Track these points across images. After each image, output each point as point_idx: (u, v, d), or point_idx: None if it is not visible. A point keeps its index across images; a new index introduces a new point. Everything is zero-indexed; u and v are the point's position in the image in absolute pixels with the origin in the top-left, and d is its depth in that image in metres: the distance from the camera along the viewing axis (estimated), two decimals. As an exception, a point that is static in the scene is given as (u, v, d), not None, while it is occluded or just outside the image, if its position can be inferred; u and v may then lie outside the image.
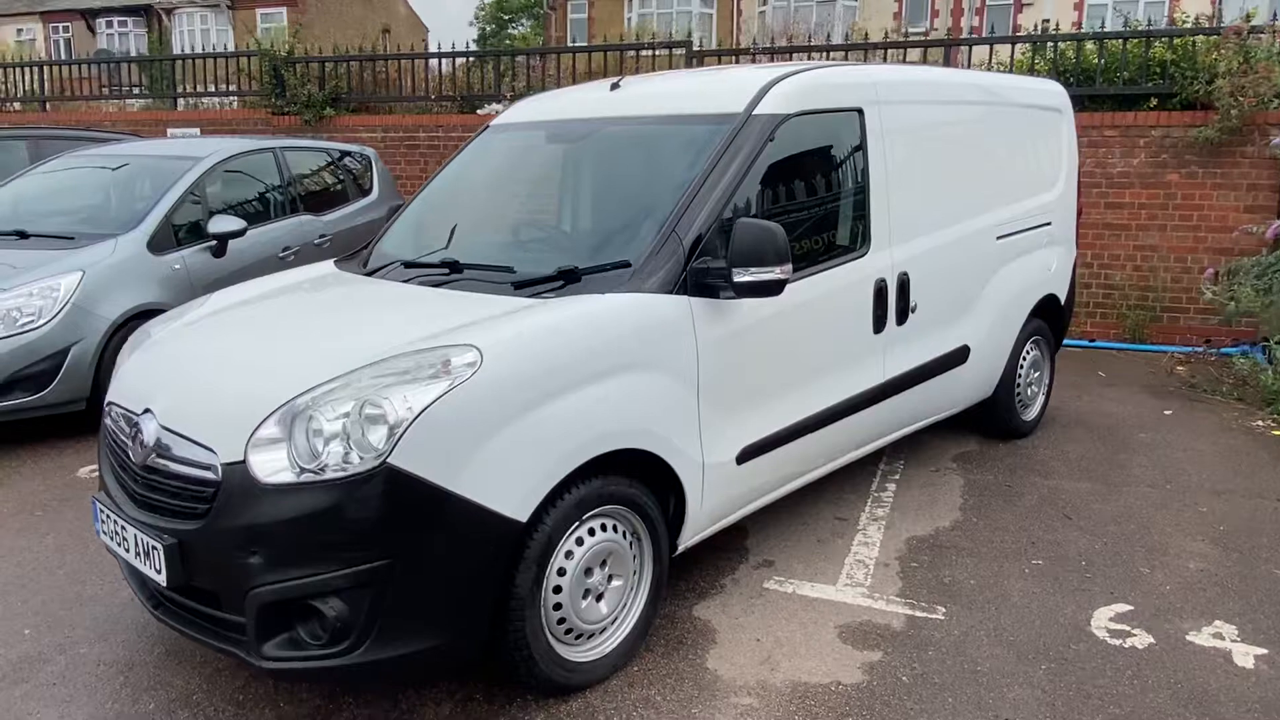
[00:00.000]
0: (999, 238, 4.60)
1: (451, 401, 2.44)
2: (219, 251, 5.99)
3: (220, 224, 5.96)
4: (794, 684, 2.91)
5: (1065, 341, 7.61)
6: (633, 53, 8.92)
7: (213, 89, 10.92)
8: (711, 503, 3.19)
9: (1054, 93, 5.18)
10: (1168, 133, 7.37)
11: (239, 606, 2.46)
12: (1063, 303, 5.31)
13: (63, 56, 26.87)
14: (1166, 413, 5.79)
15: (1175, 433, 5.37)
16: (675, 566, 3.58)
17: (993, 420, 5.09)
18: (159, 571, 2.56)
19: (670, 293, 2.99)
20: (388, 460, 2.36)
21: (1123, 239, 7.65)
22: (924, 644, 3.13)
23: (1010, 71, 7.86)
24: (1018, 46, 8.00)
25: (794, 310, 3.38)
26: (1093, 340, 7.76)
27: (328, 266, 3.77)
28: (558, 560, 2.73)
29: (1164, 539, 3.94)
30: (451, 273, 3.29)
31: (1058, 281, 5.20)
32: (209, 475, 2.49)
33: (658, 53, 8.81)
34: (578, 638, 2.84)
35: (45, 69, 11.67)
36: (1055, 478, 4.64)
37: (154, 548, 2.55)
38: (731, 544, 3.86)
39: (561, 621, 2.77)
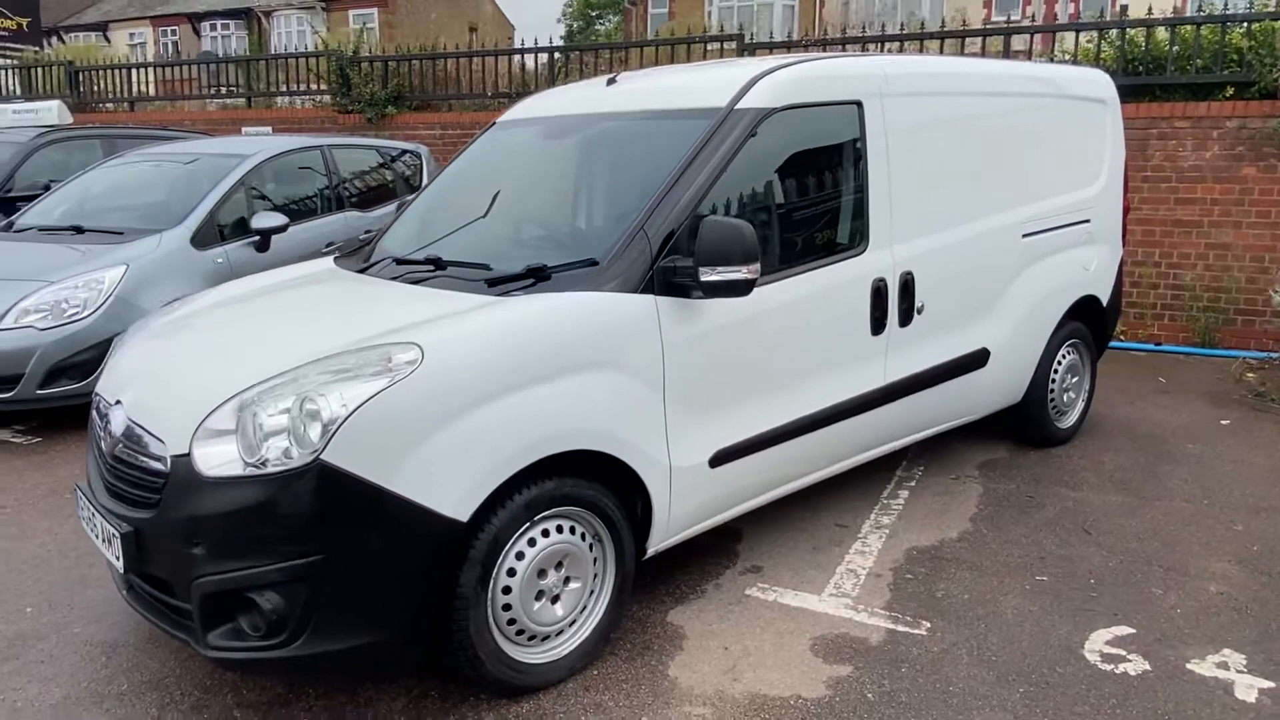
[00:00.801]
0: (1025, 236, 4.38)
1: (388, 399, 2.45)
2: (262, 246, 6.16)
3: (263, 220, 6.13)
4: (752, 696, 2.83)
5: (1128, 345, 7.30)
6: (685, 47, 8.83)
7: (285, 89, 11.29)
8: (683, 506, 3.12)
9: (1096, 82, 4.90)
10: (1244, 124, 6.91)
11: (187, 595, 2.52)
12: (1105, 304, 5.02)
13: (169, 59, 28.18)
14: (1224, 422, 5.43)
15: (1228, 444, 5.04)
16: (659, 569, 3.54)
17: (1024, 427, 4.86)
18: (117, 558, 2.64)
19: (636, 292, 2.93)
20: (321, 456, 2.38)
21: (1193, 236, 7.21)
22: (899, 660, 3.00)
23: (1075, 60, 7.49)
24: (1084, 34, 7.61)
25: (777, 311, 3.28)
26: (1159, 344, 7.35)
27: (326, 263, 3.84)
28: (507, 561, 2.71)
29: (1187, 558, 3.69)
30: (436, 270, 3.30)
31: (1098, 282, 4.92)
32: (160, 466, 2.56)
33: (710, 46, 8.72)
34: (530, 639, 2.81)
35: (133, 71, 12.25)
36: (1083, 489, 4.40)
37: (113, 535, 2.64)
38: (721, 548, 3.78)
39: (512, 622, 2.75)
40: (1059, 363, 4.82)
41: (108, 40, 33.66)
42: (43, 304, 5.23)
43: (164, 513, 2.52)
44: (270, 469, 2.41)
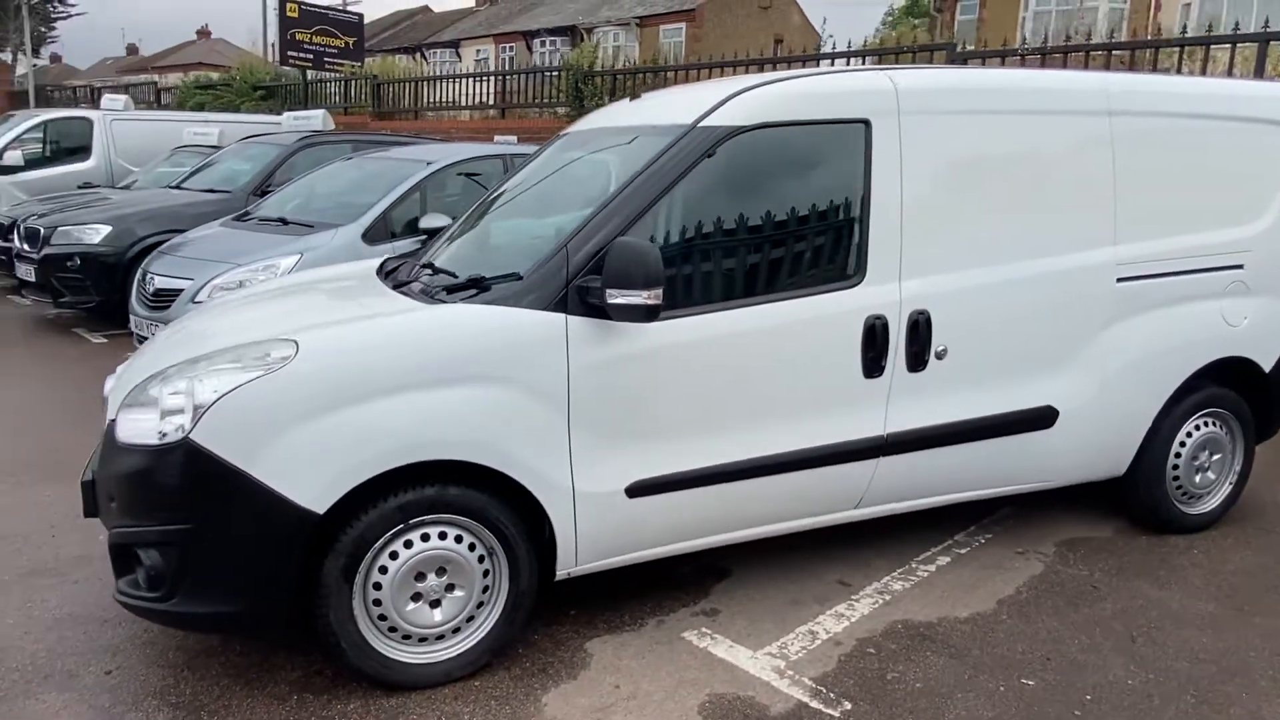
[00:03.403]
0: (1121, 280, 3.70)
1: (255, 389, 2.64)
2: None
3: (430, 220, 6.67)
4: (601, 740, 2.70)
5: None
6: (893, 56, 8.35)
7: (537, 101, 12.19)
8: (593, 533, 3.03)
9: (1268, 99, 4.01)
10: None
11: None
12: (1269, 370, 4.10)
13: (445, 73, 31.28)
14: None
15: None
16: (611, 595, 3.47)
17: (1135, 506, 4.12)
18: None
19: (546, 309, 2.90)
20: (189, 436, 2.63)
21: None
22: (782, 738, 2.71)
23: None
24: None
25: (724, 340, 3.09)
26: None
27: (366, 266, 4.10)
28: (380, 558, 2.81)
29: (1242, 692, 2.96)
30: (430, 275, 3.48)
31: (1255, 342, 4.03)
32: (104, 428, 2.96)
33: (917, 56, 8.17)
34: (405, 638, 2.89)
35: (421, 84, 13.81)
36: (1170, 588, 3.64)
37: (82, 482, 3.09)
38: (693, 584, 3.61)
39: (383, 619, 2.85)
40: (1187, 435, 4.02)
41: (458, 55, 37.98)
42: (230, 282, 6.11)
43: (101, 469, 2.91)
44: (165, 442, 2.70)
